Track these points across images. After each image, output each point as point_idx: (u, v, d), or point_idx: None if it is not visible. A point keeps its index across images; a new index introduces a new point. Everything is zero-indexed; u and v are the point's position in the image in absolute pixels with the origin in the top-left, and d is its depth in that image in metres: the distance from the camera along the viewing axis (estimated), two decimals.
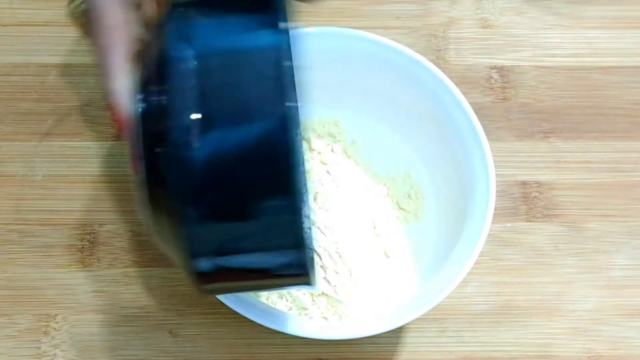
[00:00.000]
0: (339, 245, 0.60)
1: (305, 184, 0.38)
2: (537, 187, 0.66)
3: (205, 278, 0.41)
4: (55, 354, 0.60)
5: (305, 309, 0.58)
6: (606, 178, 0.67)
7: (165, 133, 0.38)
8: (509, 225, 0.65)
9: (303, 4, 0.47)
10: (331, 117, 0.66)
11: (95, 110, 0.67)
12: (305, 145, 0.65)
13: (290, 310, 0.59)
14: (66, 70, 0.68)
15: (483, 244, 0.55)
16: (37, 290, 0.61)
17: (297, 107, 0.37)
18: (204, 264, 0.40)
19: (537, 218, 0.65)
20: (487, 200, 0.56)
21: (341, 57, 0.61)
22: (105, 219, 0.64)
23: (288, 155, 0.37)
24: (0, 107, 0.67)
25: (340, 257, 0.60)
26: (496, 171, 0.57)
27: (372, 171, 0.65)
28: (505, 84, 0.70)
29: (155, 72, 0.40)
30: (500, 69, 0.70)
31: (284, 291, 0.59)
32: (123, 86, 0.44)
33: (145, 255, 0.62)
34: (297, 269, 0.41)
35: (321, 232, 0.60)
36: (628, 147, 0.68)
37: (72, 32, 0.69)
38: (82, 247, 0.63)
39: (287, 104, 0.37)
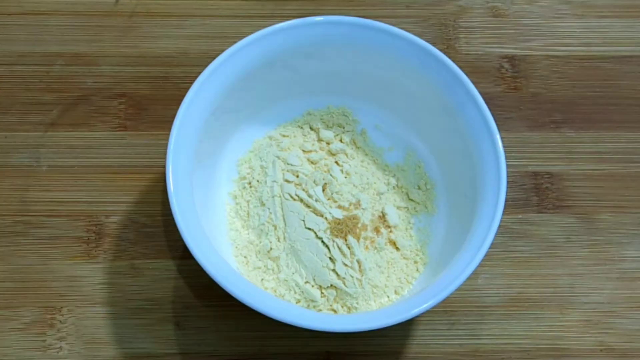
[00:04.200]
0: (348, 236, 0.60)
1: None
2: (548, 178, 0.66)
3: None
4: (60, 347, 0.59)
5: (313, 301, 0.58)
6: (618, 169, 0.66)
7: None
8: (520, 216, 0.64)
9: None
10: (340, 105, 0.66)
11: (101, 100, 0.67)
12: (314, 135, 0.65)
13: (299, 302, 0.58)
14: (72, 59, 0.68)
15: (494, 235, 0.54)
16: (43, 282, 0.61)
17: None
18: None
19: (548, 209, 0.65)
20: (498, 191, 0.55)
21: (350, 46, 0.61)
22: (111, 211, 0.63)
23: None
24: (5, 97, 0.66)
25: (349, 248, 0.59)
26: (507, 162, 0.57)
27: (382, 162, 0.64)
28: (516, 74, 0.69)
29: None
30: (511, 59, 0.69)
31: (292, 283, 0.58)
32: None
33: (151, 247, 0.62)
34: None
35: (330, 223, 0.60)
36: None
37: (77, 21, 0.69)
38: (88, 239, 0.62)
39: None
